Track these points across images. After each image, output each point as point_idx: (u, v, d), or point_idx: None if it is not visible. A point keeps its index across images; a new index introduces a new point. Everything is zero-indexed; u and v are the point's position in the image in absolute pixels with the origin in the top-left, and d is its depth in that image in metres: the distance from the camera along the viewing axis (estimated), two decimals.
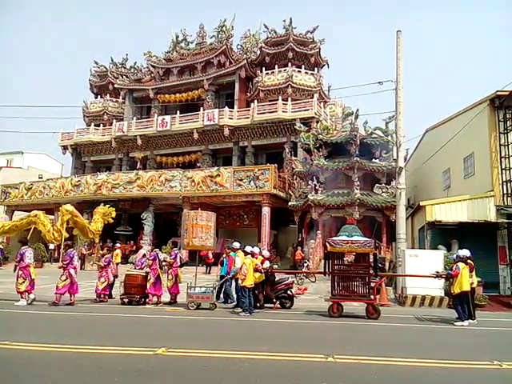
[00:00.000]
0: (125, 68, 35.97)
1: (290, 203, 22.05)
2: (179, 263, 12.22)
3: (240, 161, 28.79)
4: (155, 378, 4.61)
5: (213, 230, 12.32)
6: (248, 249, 11.00)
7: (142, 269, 12.10)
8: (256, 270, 10.50)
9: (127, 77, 34.70)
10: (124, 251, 22.53)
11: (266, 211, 22.36)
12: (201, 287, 11.27)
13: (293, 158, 23.85)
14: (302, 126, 23.31)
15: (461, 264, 9.65)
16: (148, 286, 11.72)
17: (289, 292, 11.46)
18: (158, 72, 32.62)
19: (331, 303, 10.00)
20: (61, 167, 46.89)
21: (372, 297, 9.98)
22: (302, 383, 4.57)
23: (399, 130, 14.76)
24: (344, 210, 19.97)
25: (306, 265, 18.26)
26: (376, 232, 18.52)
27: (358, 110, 20.82)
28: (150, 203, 25.33)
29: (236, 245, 11.90)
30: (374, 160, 21.45)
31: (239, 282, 10.38)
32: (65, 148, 34.50)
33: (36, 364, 5.09)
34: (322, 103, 27.69)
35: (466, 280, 9.53)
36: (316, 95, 27.35)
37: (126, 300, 11.57)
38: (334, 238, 10.45)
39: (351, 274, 10.37)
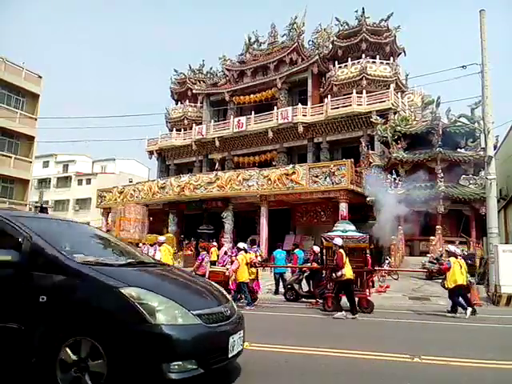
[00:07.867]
0: (202, 74, 37.59)
1: (368, 198, 21.51)
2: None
3: (315, 157, 28.63)
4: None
5: (141, 222, 12.55)
6: (240, 245, 11.81)
7: (224, 266, 12.72)
8: (250, 264, 11.27)
9: (204, 82, 36.32)
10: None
11: (343, 207, 22.02)
12: None
13: (370, 151, 23.20)
14: (378, 118, 22.61)
15: (452, 259, 9.96)
16: (230, 283, 12.27)
17: None
18: (233, 75, 33.67)
19: (326, 297, 10.48)
20: (148, 171, 50.52)
21: (367, 291, 10.46)
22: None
23: (487, 115, 13.74)
24: (427, 203, 19.02)
25: (387, 262, 17.74)
26: (464, 226, 17.43)
27: (439, 98, 19.76)
28: (229, 202, 26.22)
29: (240, 245, 11.97)
30: (458, 150, 20.14)
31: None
32: (151, 153, 37.03)
33: None
34: (399, 93, 26.53)
35: (459, 274, 9.64)
36: (392, 85, 26.24)
37: None
38: (328, 234, 10.96)
39: None
